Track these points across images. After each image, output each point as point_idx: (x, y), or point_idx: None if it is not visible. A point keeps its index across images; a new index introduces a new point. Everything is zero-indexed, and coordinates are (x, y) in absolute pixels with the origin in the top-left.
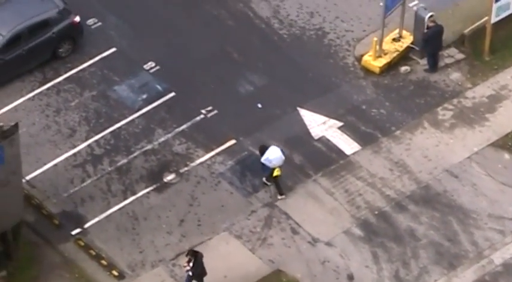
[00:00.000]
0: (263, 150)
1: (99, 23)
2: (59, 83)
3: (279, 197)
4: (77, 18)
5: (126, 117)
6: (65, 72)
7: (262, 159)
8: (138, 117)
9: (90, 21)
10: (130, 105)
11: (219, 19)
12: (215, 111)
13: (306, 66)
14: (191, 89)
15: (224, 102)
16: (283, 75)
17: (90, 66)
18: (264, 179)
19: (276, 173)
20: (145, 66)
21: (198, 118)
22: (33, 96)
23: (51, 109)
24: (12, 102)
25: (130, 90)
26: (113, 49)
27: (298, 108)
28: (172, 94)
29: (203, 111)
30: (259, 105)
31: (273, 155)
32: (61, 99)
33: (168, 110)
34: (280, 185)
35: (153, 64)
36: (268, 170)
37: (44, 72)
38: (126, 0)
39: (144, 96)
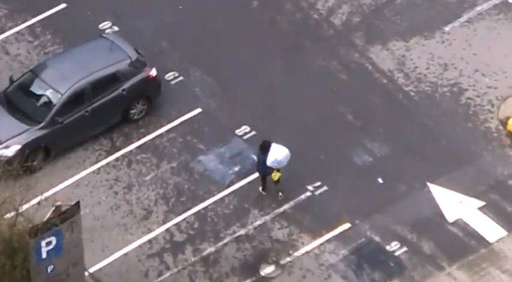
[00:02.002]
0: (266, 146)
1: (181, 78)
2: (131, 152)
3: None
4: (153, 72)
5: (213, 195)
6: (138, 139)
7: (270, 162)
8: (228, 194)
9: (169, 76)
10: (220, 179)
11: (329, 72)
12: (325, 188)
13: (438, 131)
14: (295, 160)
15: (336, 177)
16: (409, 143)
17: (169, 131)
18: (260, 188)
19: (276, 177)
20: (237, 132)
21: (303, 196)
22: (99, 168)
23: (120, 185)
24: (73, 175)
25: (219, 161)
26: (198, 110)
27: (429, 184)
28: None
29: (310, 187)
30: (380, 180)
31: (281, 154)
32: (133, 172)
33: (266, 186)
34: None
35: (248, 129)
36: (262, 170)
37: (112, 138)
38: (214, 50)
39: (237, 168)
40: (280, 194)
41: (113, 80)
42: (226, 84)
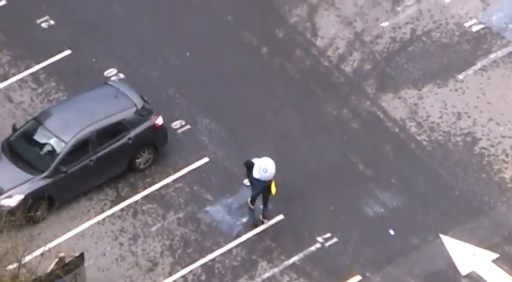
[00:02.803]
0: (251, 166)
1: (188, 126)
2: (136, 202)
3: (264, 221)
4: (160, 120)
5: (221, 247)
6: (144, 189)
7: (257, 173)
8: (236, 246)
9: (176, 124)
10: (227, 231)
11: (340, 121)
12: (335, 239)
13: (451, 181)
14: (304, 210)
15: (346, 228)
16: (422, 194)
17: (175, 181)
18: (250, 203)
19: (273, 189)
20: (246, 182)
21: (313, 248)
22: (104, 219)
23: (126, 236)
24: (77, 226)
25: (226, 211)
26: (205, 159)
27: (442, 236)
28: (280, 217)
29: (320, 238)
30: (392, 232)
31: (267, 164)
32: (139, 223)
33: (275, 238)
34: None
35: None
36: (257, 188)
37: (118, 188)
38: (222, 98)
39: (245, 219)
40: (265, 220)
41: (119, 128)
42: (235, 133)
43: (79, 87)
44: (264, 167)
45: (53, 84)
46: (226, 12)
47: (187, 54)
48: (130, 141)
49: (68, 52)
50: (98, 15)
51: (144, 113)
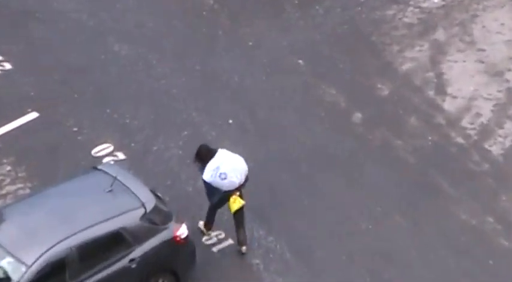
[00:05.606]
0: (206, 154)
1: (229, 241)
2: None
3: (243, 250)
4: (183, 230)
5: None
6: None
7: (214, 174)
8: None
9: (211, 237)
10: None
11: (482, 235)
12: None
13: None
14: None
15: None
16: None
17: None
18: (201, 223)
19: (237, 204)
20: None
21: None
22: None
23: None
24: None
25: None
26: None
27: None
28: None
29: None
30: None
31: (228, 163)
32: None
33: None
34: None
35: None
36: (215, 196)
37: None
38: (288, 193)
39: None
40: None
41: (114, 243)
42: (306, 256)
43: (51, 175)
44: (224, 171)
45: (8, 168)
46: (294, 53)
47: (230, 121)
48: (133, 265)
49: (34, 115)
50: (87, 60)
51: (156, 219)
